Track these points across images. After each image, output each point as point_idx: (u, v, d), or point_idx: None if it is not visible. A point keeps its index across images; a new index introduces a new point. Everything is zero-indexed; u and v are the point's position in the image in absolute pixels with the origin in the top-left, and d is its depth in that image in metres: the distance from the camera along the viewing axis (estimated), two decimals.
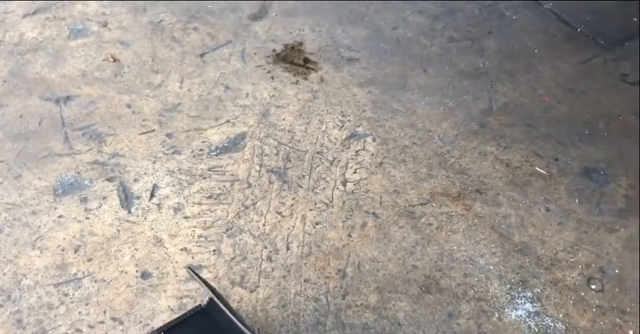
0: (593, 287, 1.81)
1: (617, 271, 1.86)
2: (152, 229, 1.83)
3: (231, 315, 1.52)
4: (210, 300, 1.58)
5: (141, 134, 2.12)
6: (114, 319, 1.61)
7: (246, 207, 1.92)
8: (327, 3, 2.83)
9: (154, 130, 2.13)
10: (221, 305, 1.55)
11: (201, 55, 2.46)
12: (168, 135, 2.12)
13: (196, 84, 2.32)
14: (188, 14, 2.67)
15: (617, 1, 3.08)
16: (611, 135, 2.33)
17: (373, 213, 1.95)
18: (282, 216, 1.91)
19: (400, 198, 2.01)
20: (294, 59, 2.50)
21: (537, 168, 2.15)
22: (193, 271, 1.63)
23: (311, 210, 1.94)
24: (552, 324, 1.71)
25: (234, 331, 1.52)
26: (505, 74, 2.56)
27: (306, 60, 2.51)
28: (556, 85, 2.53)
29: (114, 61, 2.38)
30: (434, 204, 2.00)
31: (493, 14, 2.91)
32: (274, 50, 2.53)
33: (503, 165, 2.15)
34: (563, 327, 1.71)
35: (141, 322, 1.61)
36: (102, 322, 1.61)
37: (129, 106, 2.21)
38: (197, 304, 1.61)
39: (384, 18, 2.79)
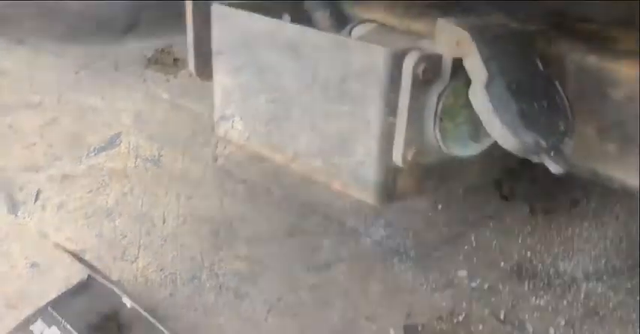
0: None
1: None
2: (38, 226, 2.02)
3: (109, 284, 1.73)
4: (89, 275, 1.79)
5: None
6: (8, 306, 1.78)
7: (124, 194, 2.12)
8: None
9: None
10: (98, 277, 1.76)
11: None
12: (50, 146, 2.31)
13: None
14: None
15: None
16: None
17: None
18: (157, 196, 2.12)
19: None
20: None
21: None
22: (65, 249, 1.82)
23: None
24: None
25: (112, 296, 1.72)
26: None
27: None
28: None
29: None
30: None
31: None
32: None
33: None
34: None
35: (32, 304, 1.78)
36: None
37: (10, 127, 2.40)
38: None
39: None
